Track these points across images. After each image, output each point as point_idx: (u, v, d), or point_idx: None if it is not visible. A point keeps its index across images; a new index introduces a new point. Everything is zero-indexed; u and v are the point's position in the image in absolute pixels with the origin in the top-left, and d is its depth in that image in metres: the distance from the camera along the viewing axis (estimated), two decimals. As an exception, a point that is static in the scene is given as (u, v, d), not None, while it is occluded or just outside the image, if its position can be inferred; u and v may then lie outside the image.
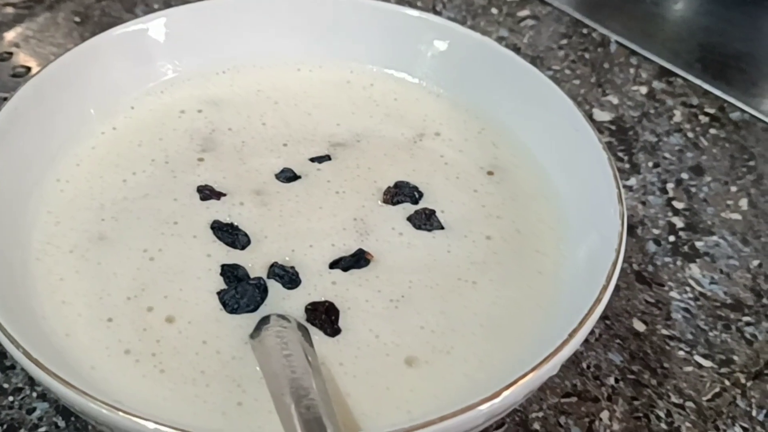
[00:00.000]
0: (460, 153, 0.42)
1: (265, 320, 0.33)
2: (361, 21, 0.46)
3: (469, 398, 0.28)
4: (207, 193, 0.39)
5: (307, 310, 0.34)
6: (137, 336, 0.33)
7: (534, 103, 0.42)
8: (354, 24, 0.45)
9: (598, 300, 0.30)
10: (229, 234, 0.37)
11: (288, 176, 0.40)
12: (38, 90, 0.39)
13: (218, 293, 0.34)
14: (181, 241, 0.36)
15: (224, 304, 0.34)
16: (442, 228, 0.38)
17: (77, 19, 0.58)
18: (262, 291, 0.34)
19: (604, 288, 0.31)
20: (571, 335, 0.29)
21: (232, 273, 0.35)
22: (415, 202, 0.39)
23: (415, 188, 0.40)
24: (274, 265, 0.35)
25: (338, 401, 0.31)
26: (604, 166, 0.36)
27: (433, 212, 0.39)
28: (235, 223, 0.37)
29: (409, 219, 0.38)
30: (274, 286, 0.35)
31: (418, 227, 0.38)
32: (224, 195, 0.39)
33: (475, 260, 0.37)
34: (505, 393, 0.28)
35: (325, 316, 0.34)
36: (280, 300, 0.34)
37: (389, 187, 0.40)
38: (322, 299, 0.35)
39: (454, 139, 0.43)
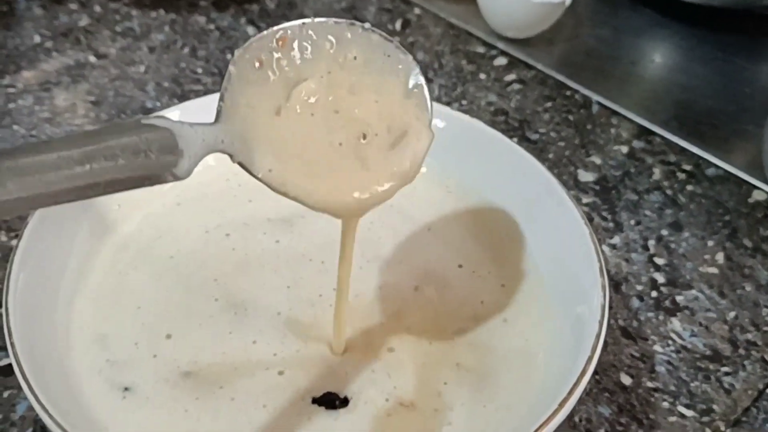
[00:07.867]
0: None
1: None
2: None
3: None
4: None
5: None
6: None
7: (518, 180, 0.46)
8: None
9: (584, 371, 0.34)
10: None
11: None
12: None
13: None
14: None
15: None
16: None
17: (92, 99, 0.62)
18: None
19: (590, 359, 0.35)
20: (561, 404, 0.33)
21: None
22: None
23: None
24: None
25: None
26: (587, 241, 0.40)
27: None
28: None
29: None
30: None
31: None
32: None
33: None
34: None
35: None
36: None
37: None
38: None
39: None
